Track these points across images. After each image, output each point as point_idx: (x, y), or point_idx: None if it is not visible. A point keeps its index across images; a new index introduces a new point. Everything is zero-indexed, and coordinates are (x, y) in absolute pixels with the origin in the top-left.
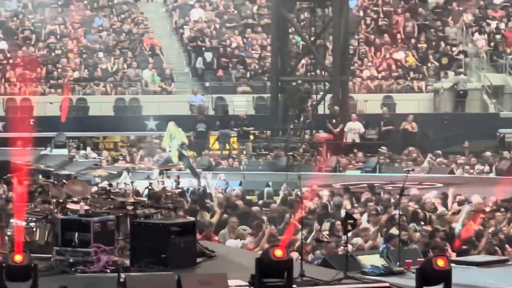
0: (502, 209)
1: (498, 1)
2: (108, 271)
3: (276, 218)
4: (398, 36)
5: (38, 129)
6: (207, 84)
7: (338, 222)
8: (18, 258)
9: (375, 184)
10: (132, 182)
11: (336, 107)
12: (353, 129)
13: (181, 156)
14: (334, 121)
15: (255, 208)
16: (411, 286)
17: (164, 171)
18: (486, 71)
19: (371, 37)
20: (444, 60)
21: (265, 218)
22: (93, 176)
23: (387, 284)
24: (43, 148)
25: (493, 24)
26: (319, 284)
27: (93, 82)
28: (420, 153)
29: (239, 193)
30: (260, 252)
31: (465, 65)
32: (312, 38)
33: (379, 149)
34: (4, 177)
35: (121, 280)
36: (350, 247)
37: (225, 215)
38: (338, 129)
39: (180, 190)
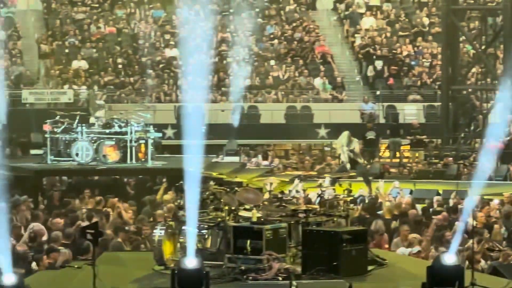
0: None
1: None
2: (280, 278)
3: (446, 226)
4: None
5: (209, 137)
6: (377, 92)
7: None
8: (190, 264)
9: None
10: (304, 190)
11: (510, 115)
12: None
13: (354, 164)
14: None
15: (425, 216)
16: None
17: (337, 179)
18: None
19: None
20: None
21: (434, 226)
22: (265, 183)
23: None
24: (215, 155)
25: None
26: None
27: (265, 90)
28: None
29: (409, 201)
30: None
31: None
32: (483, 47)
33: None
34: (176, 184)
35: (293, 287)
36: None
37: (396, 223)
38: (509, 138)
39: (351, 197)
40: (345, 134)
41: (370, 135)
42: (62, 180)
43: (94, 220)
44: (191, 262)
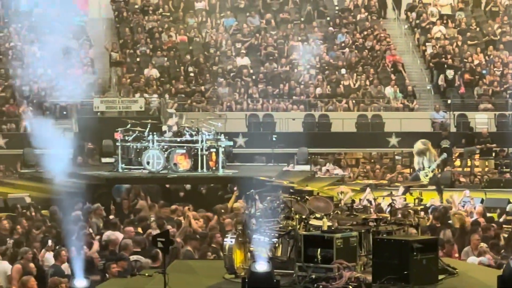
0: None
1: None
2: (350, 287)
3: None
4: None
5: (280, 145)
6: (449, 101)
7: None
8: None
9: None
10: (374, 199)
11: None
12: None
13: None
14: None
15: (495, 225)
16: None
17: (409, 188)
18: None
19: None
20: None
21: (505, 235)
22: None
23: None
24: (286, 164)
25: None
26: None
27: (336, 99)
28: None
29: (480, 210)
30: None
31: None
32: None
33: None
34: (247, 193)
35: None
36: None
37: (467, 232)
38: None
39: (422, 207)
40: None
41: (445, 143)
42: (133, 188)
43: (165, 228)
44: (261, 266)
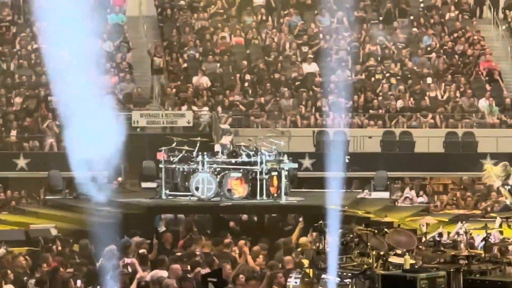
0: None
1: None
2: None
3: None
4: None
5: (354, 168)
6: None
7: None
8: None
9: None
10: (466, 232)
11: None
12: None
13: None
14: None
15: None
16: None
17: (505, 220)
18: None
19: None
20: None
21: None
22: (420, 224)
23: None
24: (360, 190)
25: None
26: None
27: (420, 113)
28: None
29: None
30: None
31: None
32: None
33: None
34: (315, 224)
35: None
36: None
37: None
38: None
39: None
40: (503, 164)
41: None
42: (179, 218)
43: (217, 266)
44: None
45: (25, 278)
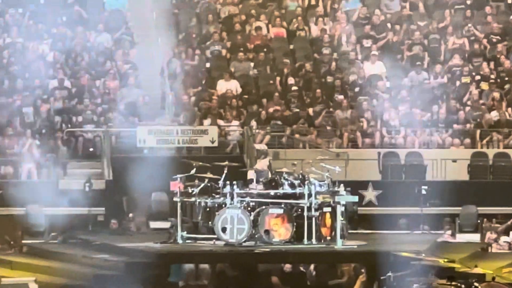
0: None
1: None
2: None
3: None
4: None
5: (432, 202)
6: None
7: None
8: None
9: None
10: None
11: None
12: None
13: None
14: None
15: None
16: None
17: None
18: None
19: None
20: None
21: None
22: None
23: None
24: (442, 231)
25: None
26: None
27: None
28: None
29: None
30: None
31: None
32: None
33: None
34: (382, 277)
35: None
36: None
37: None
38: None
39: None
40: None
41: None
42: (201, 270)
43: None
44: None
45: None
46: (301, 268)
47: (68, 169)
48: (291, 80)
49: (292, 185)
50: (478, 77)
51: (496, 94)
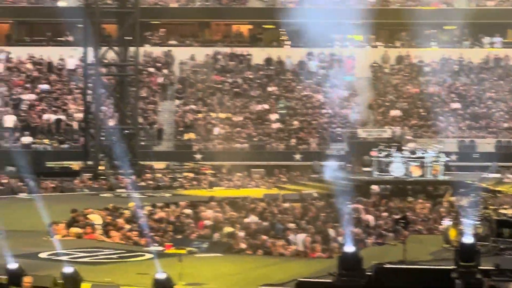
0: None
1: None
2: None
3: None
4: None
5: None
6: None
7: None
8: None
9: None
10: None
11: None
12: None
13: None
14: None
15: None
16: None
17: None
18: None
19: None
20: None
21: None
22: None
23: None
24: (483, 172)
25: None
26: None
27: None
28: None
29: None
30: None
31: None
32: None
33: None
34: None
35: None
36: None
37: None
38: None
39: None
40: None
41: None
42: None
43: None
44: (468, 239)
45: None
46: None
47: None
48: (422, 111)
49: (422, 153)
50: None
51: None
